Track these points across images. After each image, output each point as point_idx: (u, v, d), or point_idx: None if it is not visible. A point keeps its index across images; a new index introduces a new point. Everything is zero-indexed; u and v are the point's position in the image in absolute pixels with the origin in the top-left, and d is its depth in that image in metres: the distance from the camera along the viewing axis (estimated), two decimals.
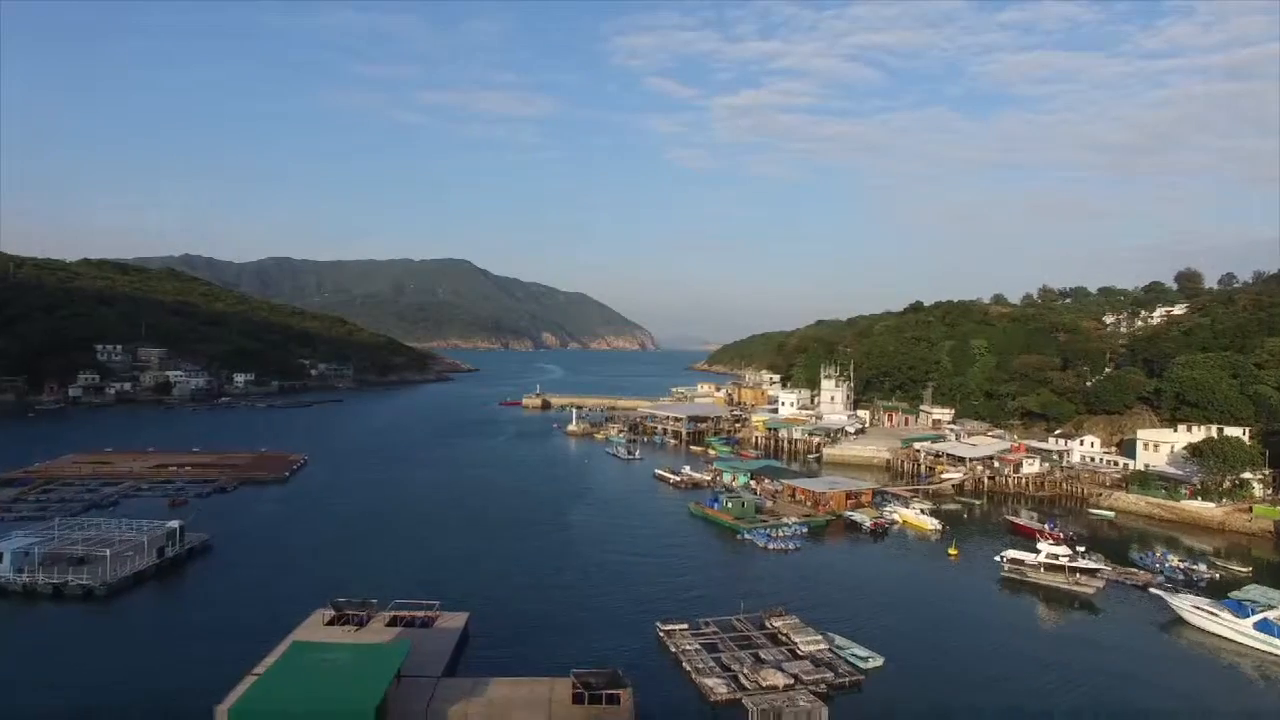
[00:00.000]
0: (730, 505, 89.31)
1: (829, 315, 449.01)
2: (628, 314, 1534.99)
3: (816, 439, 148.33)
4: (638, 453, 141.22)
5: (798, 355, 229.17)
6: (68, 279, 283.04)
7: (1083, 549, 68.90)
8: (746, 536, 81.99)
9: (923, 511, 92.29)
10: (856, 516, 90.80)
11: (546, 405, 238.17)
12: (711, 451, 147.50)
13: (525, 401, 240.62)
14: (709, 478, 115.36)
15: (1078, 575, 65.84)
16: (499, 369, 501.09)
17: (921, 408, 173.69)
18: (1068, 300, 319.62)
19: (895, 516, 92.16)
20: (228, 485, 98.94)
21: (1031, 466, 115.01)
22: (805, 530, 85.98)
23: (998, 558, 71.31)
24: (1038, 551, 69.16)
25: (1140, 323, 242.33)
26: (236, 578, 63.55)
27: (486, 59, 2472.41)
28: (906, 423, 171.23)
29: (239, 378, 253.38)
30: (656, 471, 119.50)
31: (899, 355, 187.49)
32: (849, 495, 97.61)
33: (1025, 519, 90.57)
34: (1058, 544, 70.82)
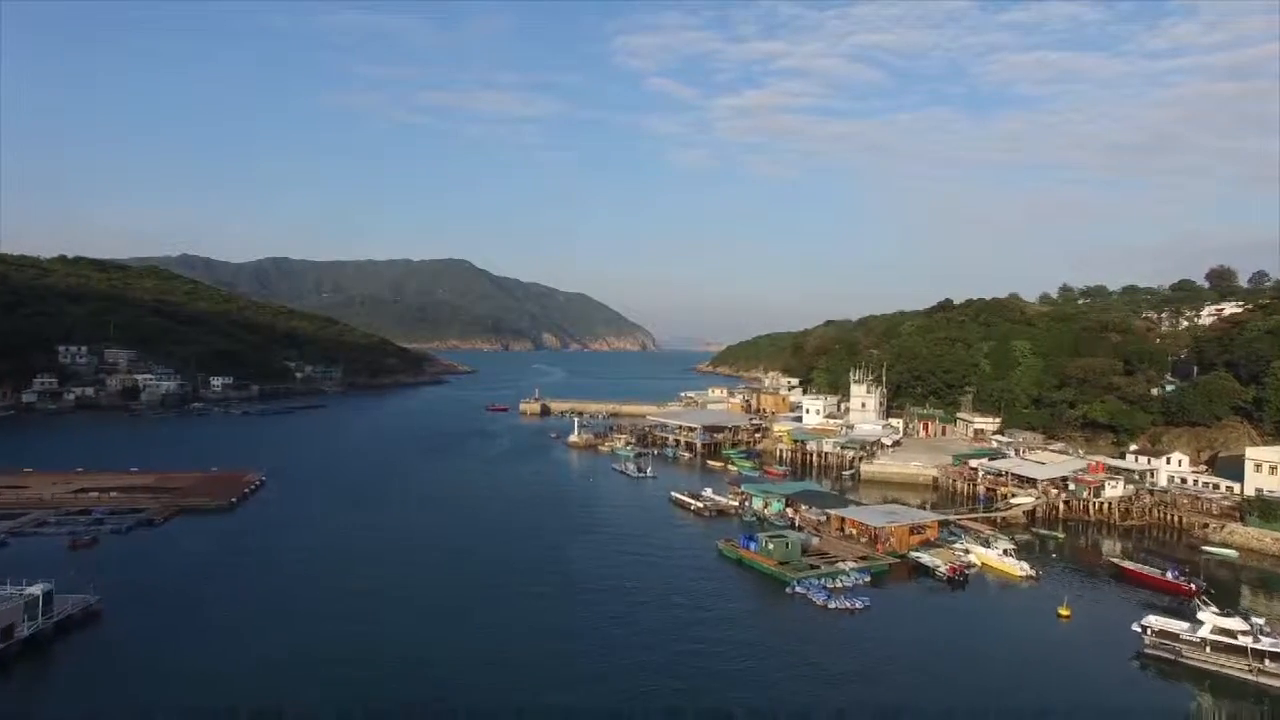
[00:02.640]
0: (772, 547, 71.97)
1: (833, 315, 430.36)
2: (628, 314, 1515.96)
3: (850, 453, 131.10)
4: (649, 469, 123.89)
5: (818, 357, 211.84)
6: (37, 276, 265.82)
7: (1261, 621, 51.60)
8: (797, 590, 64.78)
9: (1006, 552, 74.98)
10: (927, 559, 73.54)
11: (546, 411, 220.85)
12: (732, 468, 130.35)
13: (523, 407, 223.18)
14: (735, 503, 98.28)
15: (1265, 660, 48.50)
16: (497, 371, 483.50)
17: (959, 416, 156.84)
18: (1086, 300, 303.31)
19: (972, 558, 75.00)
20: (157, 516, 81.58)
21: (1114, 489, 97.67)
22: (867, 578, 68.80)
23: (1137, 626, 54.01)
24: (1198, 622, 51.80)
25: (1186, 322, 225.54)
26: (106, 675, 45.96)
27: (488, 59, 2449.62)
28: (944, 432, 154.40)
29: (216, 381, 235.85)
30: (673, 494, 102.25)
31: (934, 358, 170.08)
32: (913, 529, 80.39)
33: (1133, 561, 73.39)
34: (1215, 607, 53.39)
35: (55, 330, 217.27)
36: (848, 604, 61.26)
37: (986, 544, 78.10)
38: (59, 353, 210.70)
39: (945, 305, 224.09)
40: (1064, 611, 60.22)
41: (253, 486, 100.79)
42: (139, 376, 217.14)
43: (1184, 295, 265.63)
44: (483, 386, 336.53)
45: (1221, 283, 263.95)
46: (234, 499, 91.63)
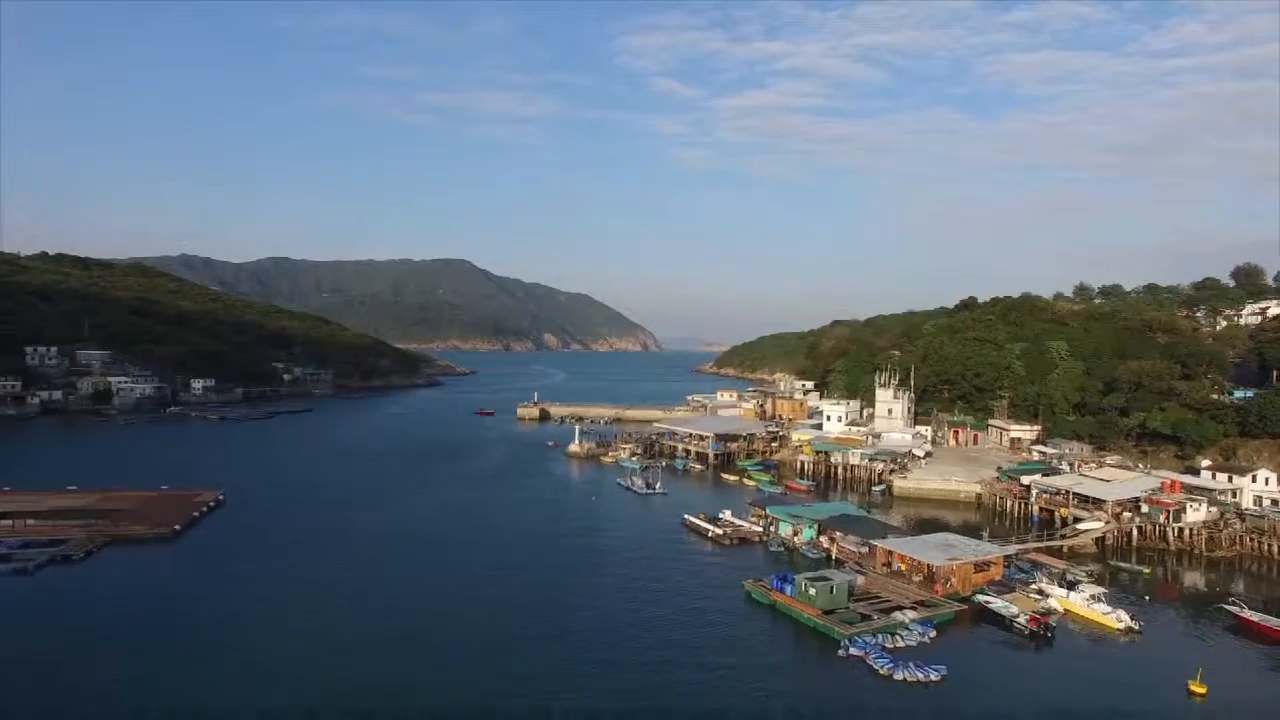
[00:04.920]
0: (814, 593, 59.00)
1: (834, 316, 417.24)
2: (630, 314, 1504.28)
3: (880, 465, 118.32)
4: (658, 484, 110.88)
5: (835, 359, 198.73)
6: (11, 273, 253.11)
7: None
8: (852, 651, 51.90)
9: (1096, 598, 61.88)
10: (999, 605, 60.67)
11: (545, 416, 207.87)
12: (749, 482, 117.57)
13: (520, 412, 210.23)
14: (759, 527, 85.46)
15: None
16: (496, 372, 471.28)
17: (992, 423, 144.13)
18: (1101, 299, 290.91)
19: (1053, 603, 62.13)
20: (77, 551, 68.51)
21: (1196, 513, 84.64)
22: (932, 633, 55.90)
23: None
24: None
25: (1225, 321, 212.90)
26: None
27: (491, 60, 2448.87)
28: (976, 440, 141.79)
29: (197, 384, 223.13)
30: (687, 517, 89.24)
31: (963, 359, 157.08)
32: (977, 566, 67.48)
33: (1255, 609, 60.33)
34: None
35: (23, 330, 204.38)
36: (919, 674, 48.18)
37: (1069, 585, 65.12)
38: (26, 354, 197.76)
39: (969, 303, 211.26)
40: (1198, 688, 47.17)
41: (206, 508, 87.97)
42: (113, 379, 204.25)
43: (1209, 294, 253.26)
44: (480, 389, 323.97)
45: (1249, 281, 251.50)
46: (178, 525, 78.61)
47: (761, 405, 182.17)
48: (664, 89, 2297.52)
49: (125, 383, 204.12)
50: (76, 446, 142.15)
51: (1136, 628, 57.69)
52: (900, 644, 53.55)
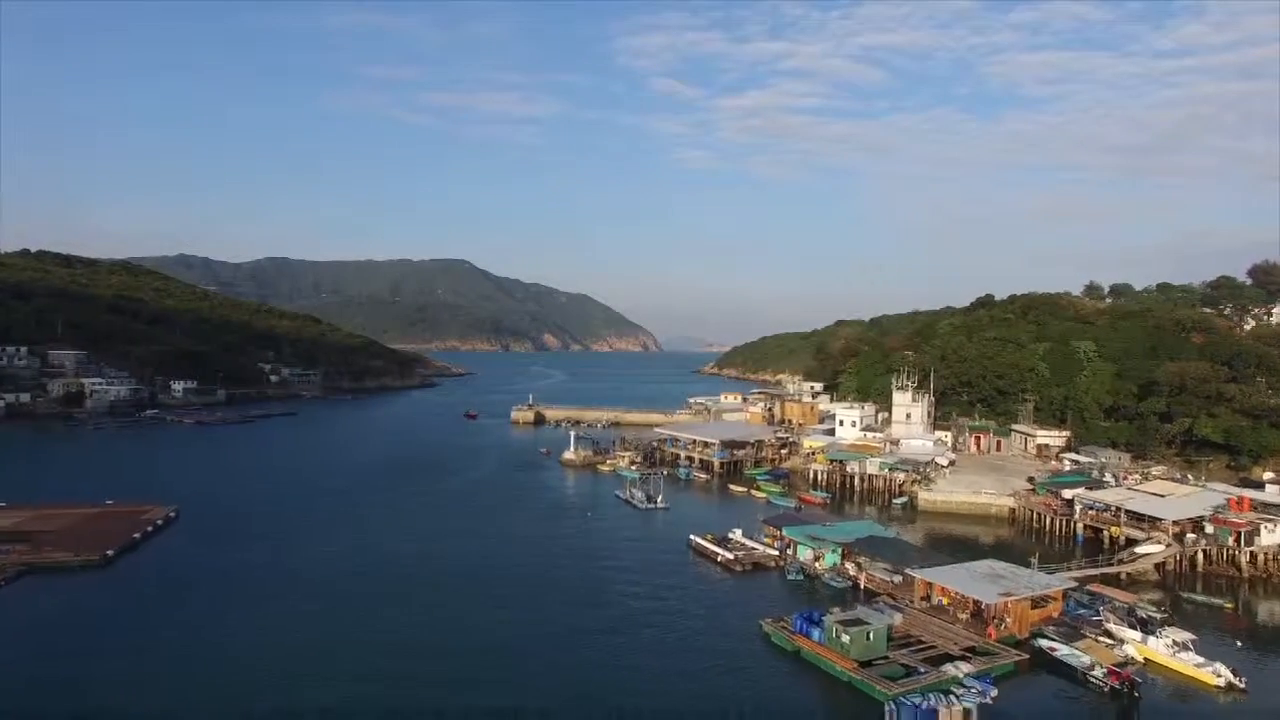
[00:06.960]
0: (848, 640, 49.14)
1: (836, 316, 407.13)
2: (630, 315, 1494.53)
3: (901, 476, 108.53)
4: (660, 496, 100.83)
5: (846, 360, 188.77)
6: None
7: None
8: (899, 718, 42.12)
9: (1183, 645, 51.82)
10: (1066, 652, 50.85)
11: (540, 419, 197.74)
12: (758, 494, 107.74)
13: (515, 415, 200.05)
14: (775, 550, 75.64)
15: None
16: (494, 372, 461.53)
17: (1015, 428, 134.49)
18: (1110, 299, 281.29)
19: (1129, 649, 52.26)
20: None
21: (1273, 535, 74.74)
22: (993, 691, 46.05)
23: None
24: None
25: (1253, 321, 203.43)
26: None
27: (491, 60, 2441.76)
28: (999, 447, 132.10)
29: (177, 386, 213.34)
30: (693, 538, 79.26)
31: (984, 361, 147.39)
32: (1035, 602, 57.55)
33: None
34: None
35: None
36: None
37: (1145, 627, 55.14)
38: None
39: (986, 301, 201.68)
40: None
41: (153, 527, 78.11)
42: (86, 380, 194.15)
43: (1227, 293, 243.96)
44: (476, 391, 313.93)
45: (1268, 279, 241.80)
46: (111, 550, 68.58)
47: (769, 409, 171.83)
48: (665, 89, 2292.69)
49: (99, 384, 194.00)
50: (34, 454, 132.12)
51: (1241, 685, 47.83)
52: (960, 707, 43.77)
